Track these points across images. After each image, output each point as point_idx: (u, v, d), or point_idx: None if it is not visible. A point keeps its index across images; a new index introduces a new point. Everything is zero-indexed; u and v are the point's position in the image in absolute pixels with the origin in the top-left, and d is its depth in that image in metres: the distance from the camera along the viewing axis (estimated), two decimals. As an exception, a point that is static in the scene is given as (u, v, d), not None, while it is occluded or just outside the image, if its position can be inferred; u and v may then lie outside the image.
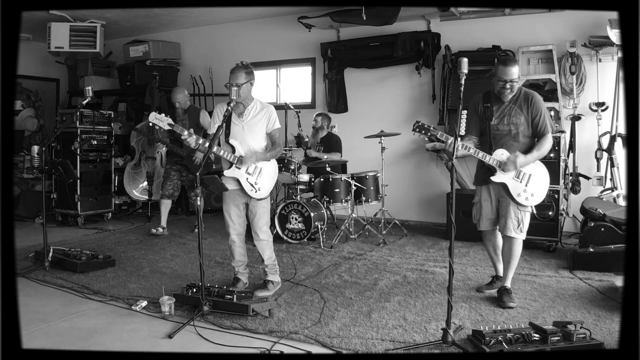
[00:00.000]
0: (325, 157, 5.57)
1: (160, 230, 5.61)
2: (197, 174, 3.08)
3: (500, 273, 3.65)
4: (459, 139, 2.92)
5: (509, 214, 3.37)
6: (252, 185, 3.49)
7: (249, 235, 3.69)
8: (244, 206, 3.63)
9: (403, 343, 2.72)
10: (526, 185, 3.33)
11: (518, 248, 3.41)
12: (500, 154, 3.33)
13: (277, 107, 6.16)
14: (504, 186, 3.36)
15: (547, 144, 3.35)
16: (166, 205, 5.68)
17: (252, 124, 3.53)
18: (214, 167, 5.47)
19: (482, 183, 3.51)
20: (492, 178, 3.36)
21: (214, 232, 5.69)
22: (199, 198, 3.09)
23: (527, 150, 3.34)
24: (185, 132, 3.38)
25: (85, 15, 6.74)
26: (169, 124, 3.35)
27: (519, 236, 3.38)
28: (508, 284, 3.46)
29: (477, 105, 3.50)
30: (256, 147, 3.53)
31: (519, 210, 3.36)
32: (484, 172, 3.45)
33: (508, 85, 3.30)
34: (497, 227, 3.50)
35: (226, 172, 3.50)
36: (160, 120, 3.33)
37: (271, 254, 3.70)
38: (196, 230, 5.45)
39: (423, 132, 3.23)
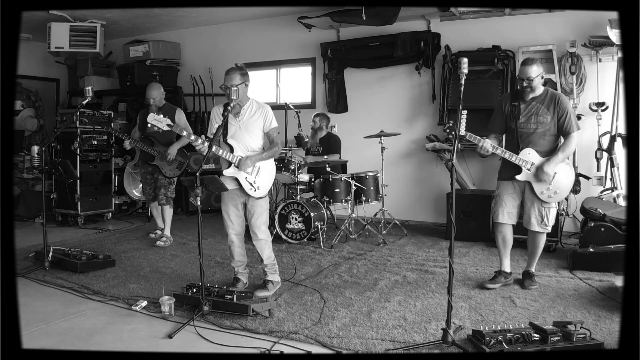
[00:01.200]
0: (325, 157, 5.57)
1: (159, 232, 5.46)
2: (197, 174, 3.08)
3: (505, 268, 3.78)
4: (490, 146, 3.20)
5: (533, 210, 3.59)
6: (251, 184, 3.51)
7: (248, 235, 3.69)
8: (242, 206, 3.64)
9: (403, 343, 2.72)
10: (550, 184, 3.51)
11: (541, 241, 3.69)
12: (527, 154, 3.53)
13: (277, 107, 6.22)
14: (528, 184, 3.57)
15: (572, 143, 3.53)
16: (157, 208, 5.45)
17: (249, 124, 3.54)
18: (196, 167, 5.28)
19: (507, 178, 3.66)
20: (518, 177, 3.56)
21: (214, 232, 5.69)
22: (198, 198, 3.09)
23: (552, 148, 3.55)
24: (185, 133, 3.40)
25: (85, 15, 6.74)
26: (168, 125, 3.35)
27: (544, 230, 3.62)
28: (532, 269, 3.76)
29: (504, 104, 3.68)
30: (253, 147, 3.55)
31: (543, 207, 3.57)
32: (510, 169, 3.61)
33: (525, 84, 3.52)
34: (514, 222, 3.71)
35: (225, 172, 3.51)
36: (159, 121, 3.32)
37: (270, 253, 3.70)
38: (159, 241, 5.18)
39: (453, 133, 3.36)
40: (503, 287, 3.69)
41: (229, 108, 3.33)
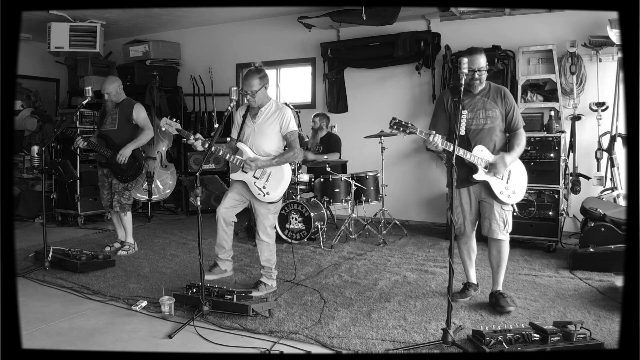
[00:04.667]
0: (325, 157, 5.57)
1: (118, 245, 4.86)
2: (197, 174, 3.08)
3: (472, 279, 3.54)
4: (440, 142, 2.90)
5: (494, 216, 3.25)
6: (260, 189, 3.47)
7: (252, 235, 3.68)
8: (245, 199, 3.61)
9: (403, 343, 2.72)
10: (507, 182, 3.23)
11: (506, 250, 3.32)
12: (480, 151, 3.20)
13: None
14: (485, 185, 3.23)
15: (523, 138, 3.29)
16: (116, 216, 4.86)
17: (263, 126, 3.51)
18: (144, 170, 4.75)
19: (462, 184, 3.29)
20: (475, 176, 3.19)
21: (214, 232, 5.63)
22: (198, 198, 3.09)
23: (503, 145, 3.28)
24: (192, 137, 3.38)
25: (85, 15, 6.74)
26: (177, 129, 3.39)
27: (506, 237, 3.29)
28: (500, 287, 3.36)
29: (446, 101, 3.33)
30: (267, 150, 3.50)
31: (503, 210, 3.26)
32: (465, 172, 3.21)
33: (477, 75, 3.17)
34: (475, 231, 3.41)
35: (232, 175, 3.50)
36: (170, 125, 3.40)
37: (270, 257, 3.62)
38: (121, 250, 4.73)
39: (401, 129, 3.03)
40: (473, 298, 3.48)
41: (229, 108, 3.34)
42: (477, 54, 3.17)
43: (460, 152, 3.09)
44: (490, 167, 3.18)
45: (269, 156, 3.49)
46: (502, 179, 3.23)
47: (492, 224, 3.25)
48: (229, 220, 3.66)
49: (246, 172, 3.46)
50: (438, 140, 2.99)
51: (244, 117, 3.41)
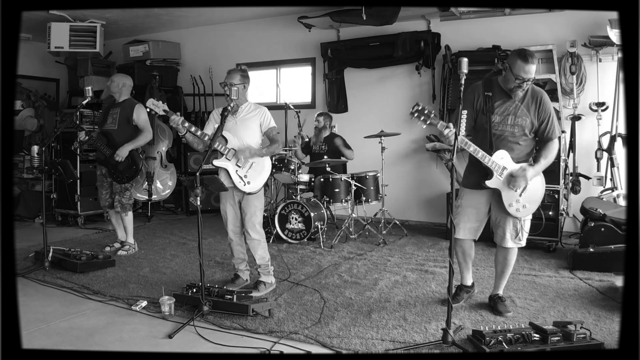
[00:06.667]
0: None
1: (118, 245, 4.87)
2: (197, 174, 3.08)
3: (466, 282, 3.43)
4: (458, 138, 2.73)
5: (508, 225, 3.13)
6: (241, 177, 3.51)
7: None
8: (239, 204, 3.64)
9: (403, 343, 2.72)
10: (520, 195, 3.05)
11: (513, 257, 3.23)
12: (500, 157, 3.01)
13: (277, 107, 6.22)
14: (497, 193, 3.06)
15: (554, 150, 3.11)
16: (115, 216, 4.87)
17: (245, 120, 3.57)
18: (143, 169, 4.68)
19: (474, 186, 3.16)
20: (487, 183, 3.01)
21: (214, 232, 5.69)
22: (198, 198, 3.10)
23: (527, 154, 3.12)
24: (176, 116, 3.41)
25: (85, 15, 6.74)
26: (164, 110, 3.38)
27: (517, 245, 3.18)
28: (501, 292, 3.30)
29: (476, 97, 3.11)
30: (249, 142, 3.55)
31: (518, 220, 3.12)
32: (479, 175, 3.07)
33: (525, 85, 2.98)
34: (476, 238, 3.27)
35: (215, 162, 3.52)
36: (156, 106, 3.38)
37: (264, 254, 3.65)
38: (121, 250, 4.73)
39: (422, 117, 2.79)
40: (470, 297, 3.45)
41: (229, 108, 3.36)
42: (532, 63, 2.91)
43: (479, 154, 2.95)
44: (510, 180, 3.00)
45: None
46: (515, 190, 3.03)
47: (505, 233, 3.15)
48: (240, 234, 3.71)
49: (229, 160, 3.48)
50: (458, 146, 2.76)
51: (222, 115, 3.40)
